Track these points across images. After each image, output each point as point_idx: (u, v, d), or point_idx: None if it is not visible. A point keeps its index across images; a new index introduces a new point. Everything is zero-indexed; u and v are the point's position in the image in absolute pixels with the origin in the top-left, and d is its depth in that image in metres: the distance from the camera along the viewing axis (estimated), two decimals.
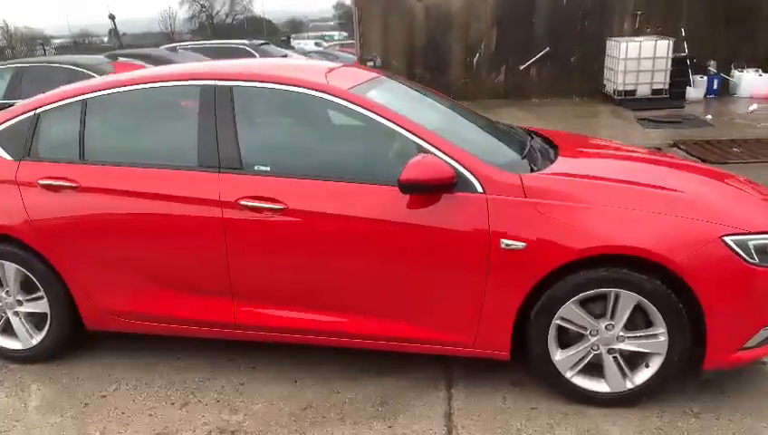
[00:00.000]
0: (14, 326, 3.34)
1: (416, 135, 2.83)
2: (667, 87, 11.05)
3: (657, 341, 2.72)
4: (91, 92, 3.22)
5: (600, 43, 11.67)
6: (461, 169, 2.75)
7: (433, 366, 3.18)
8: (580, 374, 2.85)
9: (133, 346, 3.46)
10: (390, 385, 3.08)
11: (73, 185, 3.09)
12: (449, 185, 2.71)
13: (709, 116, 9.92)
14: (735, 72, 11.57)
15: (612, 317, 2.74)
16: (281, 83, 3.03)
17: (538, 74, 12.27)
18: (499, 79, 12.45)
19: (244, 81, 3.06)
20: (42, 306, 3.28)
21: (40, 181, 3.12)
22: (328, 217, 2.85)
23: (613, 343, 2.77)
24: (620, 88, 11.06)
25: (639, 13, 11.80)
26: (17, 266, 3.22)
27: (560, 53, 11.98)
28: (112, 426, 2.87)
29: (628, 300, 2.68)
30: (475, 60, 12.37)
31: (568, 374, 2.84)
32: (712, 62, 11.54)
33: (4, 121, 3.30)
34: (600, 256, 2.64)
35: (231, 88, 3.04)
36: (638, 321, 2.74)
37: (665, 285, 2.63)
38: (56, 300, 3.24)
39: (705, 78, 11.48)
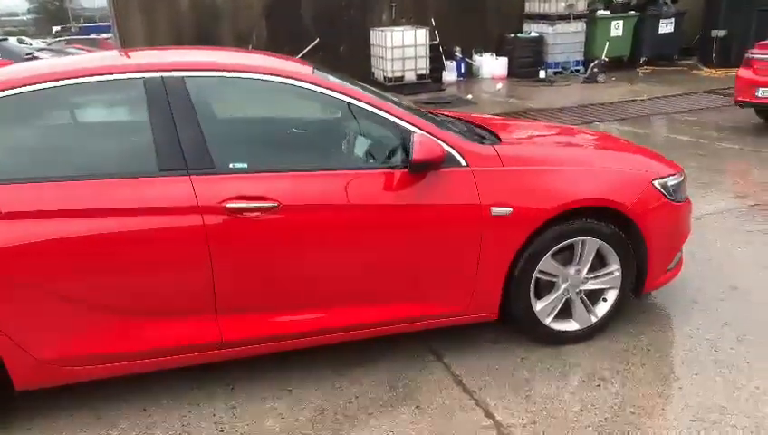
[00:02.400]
0: None
1: (398, 117, 2.87)
2: (428, 72, 12.20)
3: (613, 277, 3.20)
4: None
5: (365, 32, 12.38)
6: (445, 146, 2.87)
7: (412, 344, 3.26)
8: (556, 319, 3.20)
9: (61, 400, 2.87)
10: (386, 370, 3.09)
11: None
12: (442, 162, 2.81)
13: (470, 96, 11.28)
14: (476, 57, 13.26)
15: (579, 263, 3.13)
16: (243, 72, 2.79)
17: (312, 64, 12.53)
18: None
19: (199, 70, 2.74)
20: None
21: None
22: (325, 209, 2.74)
23: (580, 286, 3.18)
24: (390, 75, 11.90)
25: (394, 4, 12.79)
26: None
27: (329, 42, 12.40)
28: None
29: (592, 246, 3.10)
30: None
31: (547, 321, 3.18)
32: (458, 49, 13.06)
33: None
34: (570, 211, 3.01)
35: (183, 79, 2.69)
36: (595, 263, 3.18)
37: (617, 228, 3.11)
38: None
39: (454, 63, 12.97)
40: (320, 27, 12.37)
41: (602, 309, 3.25)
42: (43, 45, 19.50)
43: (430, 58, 12.18)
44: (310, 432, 2.67)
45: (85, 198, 2.53)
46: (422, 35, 11.95)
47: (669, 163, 3.41)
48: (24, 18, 51.38)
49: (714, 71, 12.70)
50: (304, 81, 2.84)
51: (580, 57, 13.11)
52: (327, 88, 2.85)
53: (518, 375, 3.01)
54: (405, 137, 2.83)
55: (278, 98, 2.95)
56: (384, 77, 12.05)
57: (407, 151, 2.81)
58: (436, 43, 12.53)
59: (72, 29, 39.95)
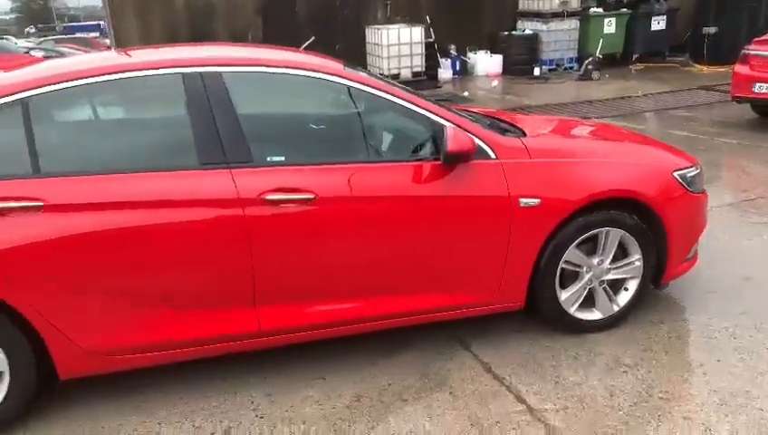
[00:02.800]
0: None
1: (429, 111, 2.93)
2: (423, 69, 12.26)
3: (634, 266, 3.28)
4: (32, 89, 2.58)
5: (360, 30, 12.41)
6: (475, 139, 2.93)
7: (438, 334, 3.32)
8: (579, 308, 3.28)
9: (97, 391, 2.91)
10: (415, 359, 3.15)
11: (38, 204, 2.47)
12: (473, 154, 2.87)
13: (466, 93, 11.36)
14: (471, 55, 13.34)
15: (602, 253, 3.21)
16: (280, 67, 2.84)
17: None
18: None
19: (235, 66, 2.79)
20: None
21: None
22: (359, 201, 2.79)
23: (603, 276, 3.26)
24: (386, 72, 11.94)
25: (389, 2, 12.84)
26: None
27: (325, 41, 12.40)
28: None
29: (615, 236, 3.18)
30: None
31: (571, 310, 3.25)
32: (452, 46, 13.13)
33: None
34: (595, 202, 3.08)
35: (221, 74, 2.74)
36: (617, 253, 3.26)
37: (638, 218, 3.19)
38: (17, 352, 2.57)
39: (449, 61, 13.04)
40: (315, 25, 12.38)
41: (624, 298, 3.33)
42: (30, 45, 19.35)
43: (425, 56, 12.24)
44: (349, 418, 2.73)
45: (127, 191, 2.57)
46: (417, 33, 12.02)
47: (686, 156, 3.50)
48: (7, 18, 50.75)
49: (705, 67, 12.88)
50: (336, 75, 2.89)
51: (573, 54, 13.24)
52: (358, 82, 2.90)
53: (545, 363, 3.09)
54: (436, 130, 2.89)
55: (311, 92, 3.00)
56: (380, 74, 12.09)
57: (437, 144, 2.88)
58: (431, 40, 12.59)
59: (57, 28, 39.59)
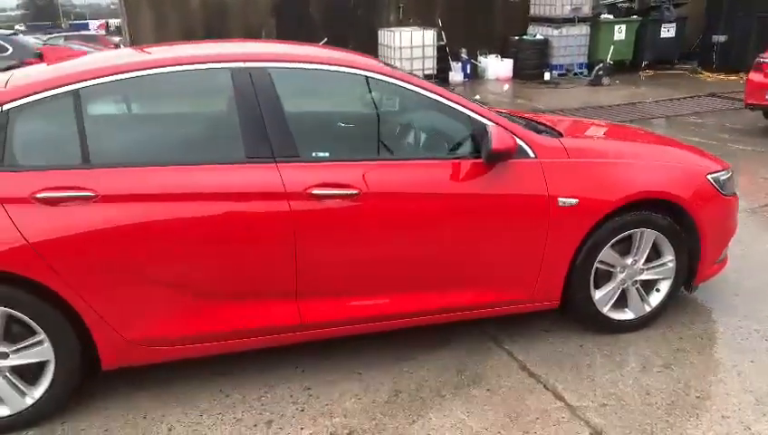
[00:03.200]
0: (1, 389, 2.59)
1: (471, 110, 2.96)
2: (435, 72, 12.31)
3: (667, 267, 3.31)
4: (84, 81, 2.61)
5: (373, 32, 12.47)
6: (516, 138, 2.96)
7: (470, 332, 3.35)
8: (612, 308, 3.31)
9: (137, 383, 2.93)
10: (449, 356, 3.17)
11: (89, 194, 2.50)
12: (514, 153, 2.90)
13: (477, 96, 11.37)
14: (482, 58, 13.39)
15: (636, 254, 3.24)
16: (326, 64, 2.87)
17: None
18: None
19: (282, 62, 2.82)
20: (39, 354, 2.59)
21: (38, 195, 2.46)
22: (401, 197, 2.82)
23: (636, 276, 3.28)
24: None
25: (402, 5, 12.89)
26: (4, 308, 2.49)
27: (337, 41, 12.43)
28: None
29: (650, 237, 3.21)
30: None
31: (604, 310, 3.28)
32: (463, 50, 13.18)
33: None
34: (631, 203, 3.11)
35: (268, 70, 2.77)
36: (650, 254, 3.29)
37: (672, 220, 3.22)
38: (63, 340, 2.59)
39: (460, 64, 13.09)
40: (328, 26, 12.43)
41: (656, 299, 3.36)
42: (37, 42, 19.37)
43: (437, 59, 12.30)
44: (389, 413, 2.75)
45: (175, 183, 2.59)
46: (430, 36, 12.09)
47: (718, 160, 3.53)
48: (12, 14, 50.79)
49: (714, 75, 12.93)
50: (379, 73, 2.93)
51: (583, 60, 13.29)
52: (400, 80, 2.93)
53: (580, 361, 3.11)
54: (477, 128, 2.92)
55: (354, 89, 3.04)
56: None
57: (476, 143, 2.91)
58: (442, 44, 12.65)
59: (63, 26, 39.62)
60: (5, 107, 2.52)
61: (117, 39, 21.05)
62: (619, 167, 3.13)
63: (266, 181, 2.66)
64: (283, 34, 12.25)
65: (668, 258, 3.29)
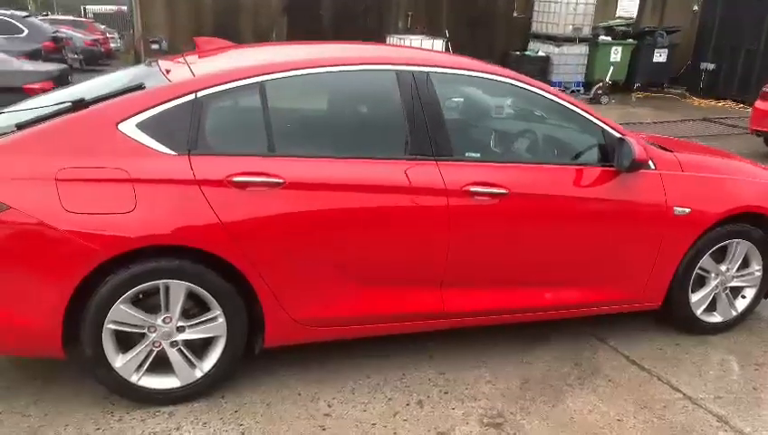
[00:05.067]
0: (172, 360, 2.70)
1: (604, 122, 3.23)
2: None
3: (754, 276, 3.62)
4: (268, 74, 2.75)
5: (381, 38, 12.67)
6: None
7: (574, 329, 3.59)
8: (704, 311, 3.59)
9: (284, 364, 3.08)
10: (561, 349, 3.40)
11: (278, 181, 2.64)
12: (647, 164, 3.17)
13: None
14: None
15: (730, 262, 3.54)
16: (478, 72, 3.08)
17: None
18: None
19: (441, 67, 3.02)
20: (212, 329, 2.72)
21: (234, 179, 2.59)
22: (545, 199, 3.05)
23: (728, 283, 3.59)
24: None
25: (410, 13, 13.17)
26: (189, 284, 2.61)
27: None
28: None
29: (743, 247, 3.52)
30: None
31: (698, 312, 3.57)
32: None
33: (149, 108, 2.60)
34: (733, 216, 3.41)
35: (428, 74, 2.96)
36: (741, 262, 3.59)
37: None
38: (236, 317, 2.72)
39: None
40: (338, 29, 12.61)
41: (741, 305, 3.67)
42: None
43: None
44: (528, 397, 2.96)
45: (350, 175, 2.76)
46: (438, 46, 12.37)
47: None
48: None
49: (702, 100, 13.61)
50: (522, 82, 3.16)
51: (581, 78, 13.80)
52: (540, 89, 3.17)
53: (682, 358, 3.39)
54: (608, 139, 3.18)
55: (499, 95, 3.25)
56: None
57: (605, 152, 3.17)
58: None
59: (30, 9, 38.49)
60: (199, 94, 2.64)
61: (102, 27, 20.76)
62: (726, 181, 3.43)
63: (429, 178, 2.85)
64: (294, 35, 12.37)
65: (756, 268, 3.60)
